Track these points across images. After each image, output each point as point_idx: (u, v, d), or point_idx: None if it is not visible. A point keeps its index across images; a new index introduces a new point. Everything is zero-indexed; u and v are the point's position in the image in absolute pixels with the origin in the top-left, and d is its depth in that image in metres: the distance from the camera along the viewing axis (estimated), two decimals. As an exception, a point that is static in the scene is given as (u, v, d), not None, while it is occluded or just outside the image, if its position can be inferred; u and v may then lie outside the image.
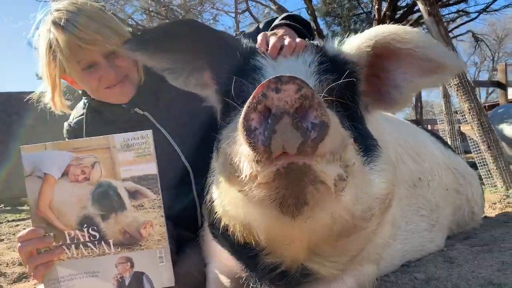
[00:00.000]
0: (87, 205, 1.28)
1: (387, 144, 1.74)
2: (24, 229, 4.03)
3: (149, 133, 1.29)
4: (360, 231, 1.25)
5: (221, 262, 1.56)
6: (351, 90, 1.31)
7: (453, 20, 12.61)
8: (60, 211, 1.28)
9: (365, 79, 1.41)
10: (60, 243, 1.29)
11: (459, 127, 6.84)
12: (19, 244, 1.29)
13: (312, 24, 10.47)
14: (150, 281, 1.31)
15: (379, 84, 1.42)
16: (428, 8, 4.86)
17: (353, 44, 1.38)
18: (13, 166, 6.45)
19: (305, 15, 12.75)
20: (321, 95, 1.18)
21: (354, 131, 1.24)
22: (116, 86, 1.69)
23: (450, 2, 11.09)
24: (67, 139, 1.88)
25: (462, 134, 7.07)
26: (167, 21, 11.49)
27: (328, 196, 0.99)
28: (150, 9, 11.68)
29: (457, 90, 4.78)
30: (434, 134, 2.98)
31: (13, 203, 6.49)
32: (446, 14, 12.29)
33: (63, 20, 1.56)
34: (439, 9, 6.05)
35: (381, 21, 9.62)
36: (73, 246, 1.29)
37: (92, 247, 1.30)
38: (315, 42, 1.46)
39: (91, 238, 1.29)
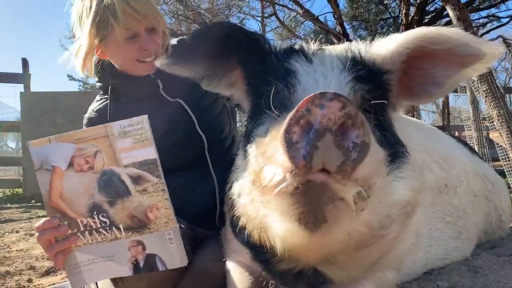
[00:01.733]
0: (94, 193, 1.31)
1: (413, 150, 1.73)
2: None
3: (144, 118, 1.31)
4: (380, 240, 1.25)
5: (241, 260, 1.59)
6: (384, 96, 1.30)
7: (484, 25, 12.32)
8: (70, 200, 1.32)
9: (396, 81, 1.38)
10: (75, 230, 1.33)
11: (488, 133, 6.69)
12: (37, 234, 1.35)
13: (339, 28, 10.41)
14: (163, 262, 1.34)
15: (407, 80, 1.39)
16: (457, 13, 4.79)
17: (386, 49, 1.35)
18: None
19: (331, 19, 12.70)
20: (357, 105, 1.21)
21: (385, 139, 1.24)
22: (149, 62, 1.84)
23: (481, 7, 10.84)
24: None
25: (490, 141, 6.91)
26: (196, 27, 11.60)
27: (348, 214, 0.99)
28: (179, 13, 11.84)
29: (485, 96, 4.69)
30: (461, 140, 2.94)
31: (43, 200, 6.67)
32: (476, 19, 12.03)
33: None
34: (469, 14, 5.92)
35: (408, 25, 9.48)
36: (87, 232, 1.34)
37: (105, 232, 1.33)
38: (351, 45, 1.43)
39: (103, 224, 1.33)
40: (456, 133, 10.96)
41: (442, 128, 9.67)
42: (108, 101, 1.97)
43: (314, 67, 1.31)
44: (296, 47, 1.41)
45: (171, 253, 1.34)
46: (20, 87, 7.49)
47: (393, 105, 1.41)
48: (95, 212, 1.32)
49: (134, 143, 1.31)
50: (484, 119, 6.08)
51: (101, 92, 2.06)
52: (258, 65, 1.41)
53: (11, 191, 7.23)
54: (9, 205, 6.40)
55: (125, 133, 1.31)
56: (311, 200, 0.95)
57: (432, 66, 1.36)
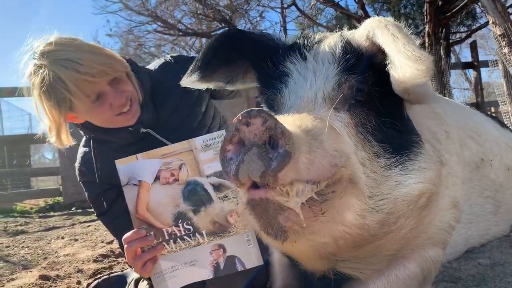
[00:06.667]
0: (180, 202, 1.43)
1: (451, 127, 1.70)
2: (96, 229, 4.33)
3: (223, 132, 1.42)
4: (387, 235, 1.23)
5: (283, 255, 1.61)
6: (385, 83, 1.23)
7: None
8: (156, 211, 1.43)
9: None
10: (160, 239, 1.43)
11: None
12: (126, 246, 1.43)
13: (360, 12, 10.24)
14: (242, 263, 1.43)
15: None
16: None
17: (359, 35, 1.33)
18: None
19: (351, 3, 12.48)
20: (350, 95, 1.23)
21: (387, 128, 1.23)
22: (128, 111, 1.73)
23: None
24: (81, 182, 1.93)
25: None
26: (217, 25, 11.69)
27: (306, 220, 1.00)
28: (198, 12, 11.93)
29: (518, 68, 4.53)
30: (489, 115, 2.89)
31: (83, 206, 6.90)
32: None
33: (63, 60, 1.56)
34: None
35: (432, 3, 9.23)
36: (171, 241, 1.44)
37: (188, 239, 1.44)
38: (342, 34, 1.41)
39: (187, 232, 1.43)
40: (492, 109, 10.58)
41: (476, 105, 9.39)
42: (93, 151, 1.88)
43: (306, 64, 1.33)
44: (298, 41, 1.42)
45: (249, 253, 1.43)
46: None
47: None
48: (180, 221, 1.43)
49: (215, 154, 1.41)
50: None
51: (86, 138, 1.95)
52: (264, 66, 1.43)
53: (52, 200, 7.50)
54: (51, 213, 6.65)
55: (207, 146, 1.43)
56: (261, 215, 1.01)
57: None
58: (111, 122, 1.77)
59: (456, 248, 1.94)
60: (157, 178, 1.43)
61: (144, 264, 1.42)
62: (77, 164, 1.95)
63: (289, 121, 1.02)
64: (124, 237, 1.44)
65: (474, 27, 12.40)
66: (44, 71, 1.56)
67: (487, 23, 9.75)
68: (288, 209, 0.98)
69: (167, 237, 1.43)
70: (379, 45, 1.22)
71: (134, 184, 1.43)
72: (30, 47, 1.65)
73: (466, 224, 1.96)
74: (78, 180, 1.95)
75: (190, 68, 1.52)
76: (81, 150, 1.96)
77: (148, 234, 1.42)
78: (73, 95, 1.57)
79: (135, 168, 1.44)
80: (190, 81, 1.52)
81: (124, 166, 1.44)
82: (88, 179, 1.89)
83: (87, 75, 1.56)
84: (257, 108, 0.96)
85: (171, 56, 2.07)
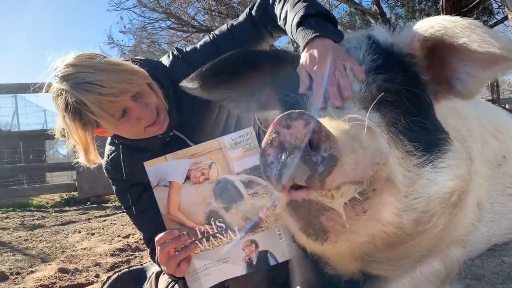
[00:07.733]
0: (211, 201, 1.42)
1: (473, 126, 1.69)
2: (112, 223, 4.37)
3: (251, 129, 1.42)
4: (421, 235, 1.23)
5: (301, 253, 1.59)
6: (413, 82, 1.26)
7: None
8: (188, 211, 1.43)
9: (428, 68, 1.34)
10: (193, 239, 1.43)
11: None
12: (159, 247, 1.42)
13: (374, 7, 10.15)
14: (274, 257, 1.43)
15: (443, 73, 1.33)
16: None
17: (406, 36, 1.33)
18: (96, 168, 6.91)
19: None
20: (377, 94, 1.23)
21: (418, 127, 1.23)
22: (156, 123, 1.71)
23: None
24: (109, 178, 1.97)
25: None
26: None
27: (349, 220, 1.00)
28: (212, 9, 11.92)
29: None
30: None
31: (98, 201, 6.98)
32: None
33: (84, 84, 1.54)
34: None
35: (448, 0, 9.10)
36: (204, 239, 1.43)
37: (221, 237, 1.43)
38: (368, 33, 1.42)
39: (219, 229, 1.43)
40: (507, 106, 10.45)
41: (491, 101, 9.26)
42: (122, 156, 1.89)
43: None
44: None
45: (282, 247, 1.44)
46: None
47: (433, 92, 1.37)
48: (212, 219, 1.42)
49: (244, 151, 1.42)
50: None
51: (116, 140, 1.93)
52: (282, 81, 1.44)
53: (68, 194, 7.59)
54: (67, 208, 6.73)
55: (236, 144, 1.42)
56: (302, 216, 1.00)
57: (456, 60, 1.26)
58: (141, 134, 1.76)
59: (478, 246, 1.92)
60: (187, 178, 1.43)
61: (179, 265, 1.42)
62: (103, 162, 1.96)
63: (326, 122, 1.00)
64: (156, 238, 1.43)
65: (491, 23, 12.23)
66: (66, 95, 1.56)
67: (504, 19, 9.62)
68: (330, 209, 0.98)
69: (199, 236, 1.43)
70: (434, 46, 1.24)
71: (164, 186, 1.43)
72: (51, 68, 1.63)
73: (488, 222, 1.93)
74: (106, 176, 1.99)
75: (195, 73, 1.52)
76: (108, 148, 1.97)
77: (181, 234, 1.42)
78: (97, 116, 1.58)
79: (164, 169, 1.43)
80: (189, 88, 1.55)
81: (153, 168, 1.43)
82: (114, 177, 1.93)
83: (109, 96, 1.55)
84: (297, 110, 0.94)
85: (177, 50, 2.00)
